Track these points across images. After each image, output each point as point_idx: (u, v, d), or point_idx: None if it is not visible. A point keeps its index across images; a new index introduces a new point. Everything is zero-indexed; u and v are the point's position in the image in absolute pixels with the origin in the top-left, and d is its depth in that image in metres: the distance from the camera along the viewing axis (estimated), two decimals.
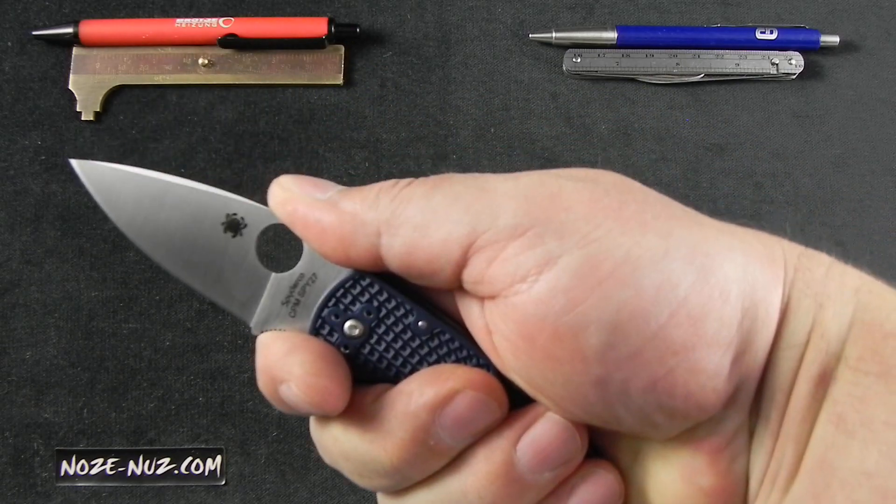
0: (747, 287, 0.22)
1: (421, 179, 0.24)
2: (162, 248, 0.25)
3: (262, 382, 0.25)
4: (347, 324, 0.25)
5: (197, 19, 0.57)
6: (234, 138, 0.57)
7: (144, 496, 0.52)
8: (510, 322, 0.23)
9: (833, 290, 0.23)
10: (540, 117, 0.57)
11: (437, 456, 0.24)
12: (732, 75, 0.57)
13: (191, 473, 0.52)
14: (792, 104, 0.58)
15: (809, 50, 0.58)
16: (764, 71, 0.57)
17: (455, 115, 0.57)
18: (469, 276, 0.23)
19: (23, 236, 0.55)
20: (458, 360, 0.25)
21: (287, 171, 0.61)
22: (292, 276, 0.25)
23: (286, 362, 0.24)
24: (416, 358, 0.25)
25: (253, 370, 0.53)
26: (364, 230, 0.24)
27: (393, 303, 0.25)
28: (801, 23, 0.58)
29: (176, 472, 0.52)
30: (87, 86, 0.57)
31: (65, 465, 0.52)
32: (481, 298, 0.24)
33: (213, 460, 0.52)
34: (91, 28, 0.57)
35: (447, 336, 0.25)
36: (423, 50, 0.58)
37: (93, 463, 0.52)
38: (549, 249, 0.22)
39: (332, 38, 0.57)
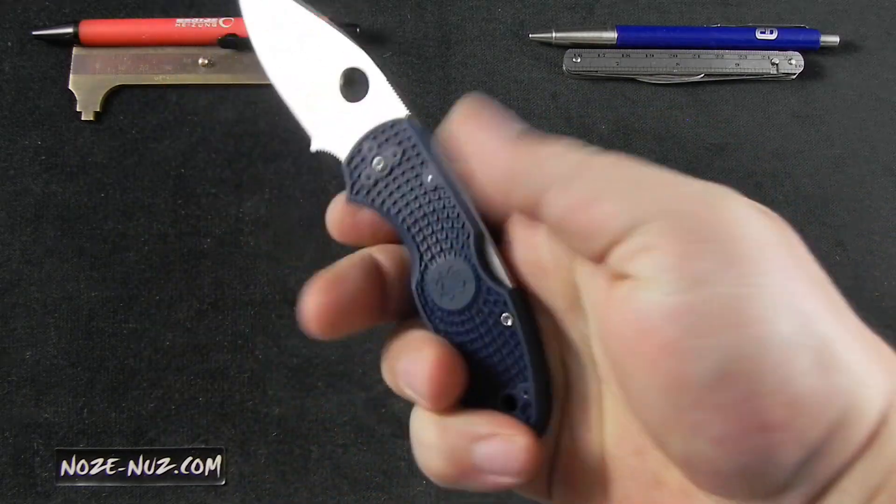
0: (853, 397, 0.21)
1: (607, 152, 0.24)
2: (281, 69, 0.31)
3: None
4: (376, 158, 0.28)
5: (197, 19, 0.57)
6: (234, 138, 0.57)
7: (144, 496, 0.52)
8: (632, 311, 0.22)
9: None
10: (540, 117, 0.57)
11: None
12: (732, 75, 0.57)
13: (191, 473, 0.52)
14: (792, 104, 0.58)
15: (809, 50, 0.58)
16: (764, 71, 0.57)
17: None
18: (616, 256, 0.23)
19: (23, 236, 0.55)
20: (448, 219, 0.26)
21: (287, 171, 0.61)
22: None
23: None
24: (418, 205, 0.27)
25: (253, 370, 0.53)
26: (536, 177, 0.24)
27: (416, 152, 0.27)
28: (801, 23, 0.58)
29: (176, 472, 0.52)
30: (87, 86, 0.57)
31: (65, 465, 0.52)
32: (613, 276, 0.23)
33: (213, 460, 0.52)
34: (91, 28, 0.57)
35: (447, 195, 0.26)
36: (423, 50, 0.58)
37: (93, 463, 0.52)
38: (707, 270, 0.21)
39: None
